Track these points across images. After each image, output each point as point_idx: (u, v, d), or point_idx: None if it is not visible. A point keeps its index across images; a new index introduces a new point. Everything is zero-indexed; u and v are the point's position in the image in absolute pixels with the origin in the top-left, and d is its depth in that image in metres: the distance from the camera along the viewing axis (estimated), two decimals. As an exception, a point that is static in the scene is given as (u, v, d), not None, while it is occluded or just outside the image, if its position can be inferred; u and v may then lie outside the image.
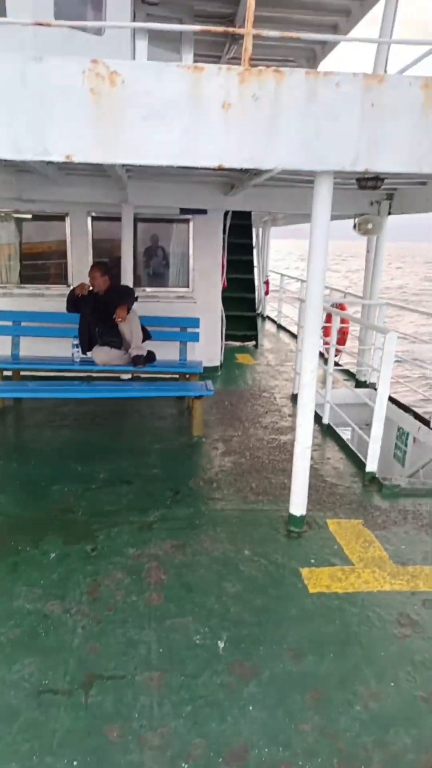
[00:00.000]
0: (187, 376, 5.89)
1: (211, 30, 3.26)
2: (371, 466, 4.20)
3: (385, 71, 6.03)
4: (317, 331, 3.25)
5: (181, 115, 2.92)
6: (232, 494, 3.93)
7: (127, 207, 6.56)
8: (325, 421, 5.36)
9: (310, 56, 8.32)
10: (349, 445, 4.91)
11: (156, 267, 7.50)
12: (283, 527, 3.52)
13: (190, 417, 5.24)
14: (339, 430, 5.28)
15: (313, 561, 3.18)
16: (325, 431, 5.26)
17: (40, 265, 7.31)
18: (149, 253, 7.50)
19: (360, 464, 4.42)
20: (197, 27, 3.27)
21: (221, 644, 2.53)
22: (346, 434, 5.40)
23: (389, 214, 6.36)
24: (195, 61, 7.09)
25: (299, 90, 2.91)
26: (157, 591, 2.86)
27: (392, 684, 2.36)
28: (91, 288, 5.67)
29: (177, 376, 6.28)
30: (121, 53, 5.54)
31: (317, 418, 5.29)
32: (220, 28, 3.34)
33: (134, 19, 6.19)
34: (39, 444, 4.81)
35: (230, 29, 3.28)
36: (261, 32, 3.09)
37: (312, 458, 3.58)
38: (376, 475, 4.20)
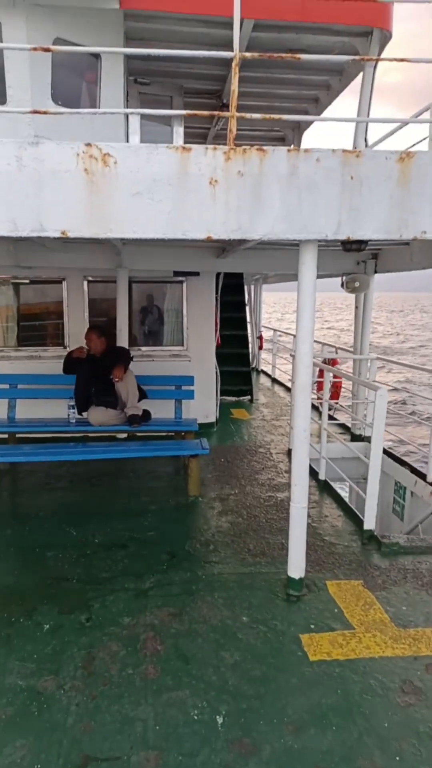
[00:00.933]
0: (183, 434, 5.91)
1: (198, 114, 3.46)
2: (369, 523, 4.17)
3: (366, 140, 6.39)
4: (308, 392, 3.30)
5: (171, 191, 3.09)
6: (229, 556, 3.88)
7: (122, 271, 6.76)
8: (322, 476, 5.35)
9: (295, 126, 8.82)
10: (347, 501, 4.89)
11: (151, 327, 7.66)
12: (281, 591, 3.46)
13: (186, 476, 5.23)
14: (336, 486, 5.27)
15: (312, 626, 3.11)
16: (322, 488, 5.24)
17: (37, 326, 7.46)
18: (144, 313, 7.67)
19: (358, 521, 4.39)
20: (185, 112, 3.49)
21: (220, 719, 2.45)
22: (343, 490, 5.38)
23: (375, 272, 6.58)
24: (185, 132, 7.49)
25: (282, 166, 3.09)
26: (153, 663, 2.79)
27: (397, 758, 2.27)
28: (87, 350, 5.78)
29: (173, 434, 6.30)
30: (116, 128, 5.87)
31: (313, 474, 5.29)
32: (206, 113, 3.53)
33: (127, 96, 6.61)
34: (34, 508, 4.77)
35: (216, 113, 3.50)
36: (245, 115, 3.32)
37: (309, 516, 3.57)
38: (375, 533, 4.17)
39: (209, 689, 2.62)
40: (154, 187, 3.08)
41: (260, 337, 12.61)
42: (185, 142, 7.39)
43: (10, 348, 7.19)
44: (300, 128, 8.77)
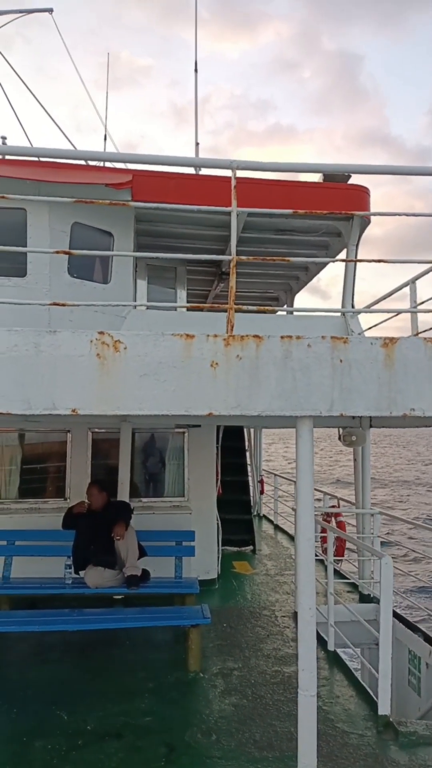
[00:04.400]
0: (183, 596, 5.67)
1: (201, 307, 3.85)
2: (384, 708, 3.86)
3: (353, 304, 6.95)
4: (312, 579, 3.22)
5: (175, 372, 3.33)
6: (233, 749, 3.54)
7: (125, 425, 6.97)
8: (331, 647, 5.04)
9: (288, 289, 9.64)
10: (358, 678, 4.56)
11: (152, 478, 7.69)
12: (291, 795, 3.12)
13: (186, 645, 4.92)
14: (346, 655, 4.95)
15: None
16: (332, 660, 4.92)
17: (38, 478, 7.49)
18: (145, 464, 7.75)
19: (372, 703, 4.06)
20: (188, 305, 3.89)
21: None
22: (354, 662, 5.04)
23: (371, 426, 6.78)
24: (188, 293, 8.14)
25: (276, 351, 3.37)
26: None
27: None
28: (88, 504, 5.77)
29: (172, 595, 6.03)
30: (125, 295, 6.42)
31: (321, 642, 4.99)
32: (206, 305, 3.93)
33: (136, 267, 7.32)
34: (23, 685, 4.43)
35: (216, 304, 3.90)
36: (241, 307, 3.70)
37: (319, 697, 3.33)
38: (391, 719, 3.84)
39: None
40: (160, 369, 3.33)
41: (261, 482, 12.56)
42: (188, 301, 8.02)
43: (10, 500, 7.15)
44: (292, 290, 9.59)
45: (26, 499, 7.17)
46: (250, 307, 4.11)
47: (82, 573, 5.59)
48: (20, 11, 8.95)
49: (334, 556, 5.77)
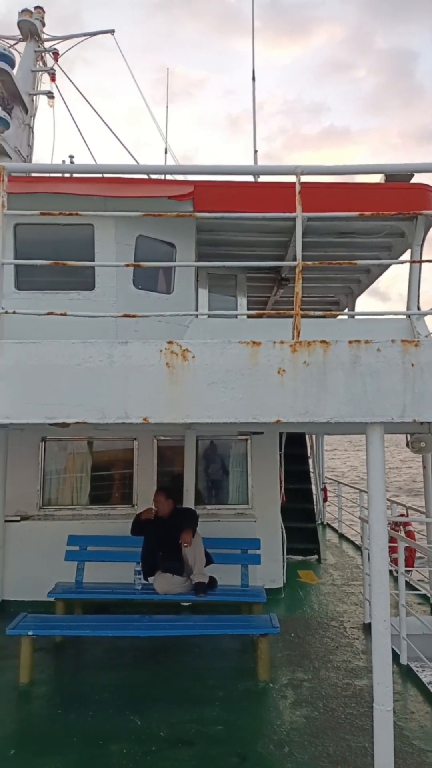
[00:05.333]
0: (250, 605, 5.64)
1: (265, 314, 3.85)
2: None
3: (418, 305, 6.73)
4: (386, 590, 3.14)
5: (242, 380, 3.34)
6: (307, 762, 3.48)
7: (190, 433, 7.05)
8: (404, 660, 4.88)
9: (348, 292, 9.46)
10: None
11: (215, 485, 7.73)
12: None
13: (254, 654, 4.89)
14: (419, 670, 4.76)
15: None
16: (405, 674, 4.75)
17: (107, 485, 7.69)
18: (209, 471, 7.80)
19: None
20: (250, 312, 3.89)
21: None
22: (428, 674, 4.85)
23: (442, 432, 6.52)
24: (248, 300, 8.16)
25: (344, 356, 3.32)
26: None
27: None
28: (155, 511, 5.86)
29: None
30: (187, 305, 6.51)
31: (393, 655, 4.83)
32: (270, 312, 3.93)
33: (197, 276, 7.41)
34: (97, 689, 4.54)
35: (277, 311, 3.89)
36: (308, 312, 3.68)
37: (394, 713, 3.22)
38: None
39: None
40: (227, 377, 3.35)
41: (324, 489, 12.35)
42: (248, 308, 8.02)
43: (81, 506, 7.38)
44: (353, 294, 9.41)
45: (96, 505, 7.38)
46: (316, 312, 4.07)
47: (151, 579, 5.68)
48: (85, 34, 9.35)
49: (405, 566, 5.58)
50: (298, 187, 3.56)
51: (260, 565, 6.10)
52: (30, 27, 10.26)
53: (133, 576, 5.85)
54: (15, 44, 10.42)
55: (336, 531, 11.44)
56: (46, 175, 6.44)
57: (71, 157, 7.38)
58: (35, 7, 10.41)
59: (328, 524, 12.08)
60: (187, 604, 6.25)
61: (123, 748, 3.65)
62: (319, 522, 11.38)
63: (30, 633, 4.63)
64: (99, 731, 3.86)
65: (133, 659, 5.14)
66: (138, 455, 7.55)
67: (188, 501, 6.89)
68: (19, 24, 10.29)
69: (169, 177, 7.77)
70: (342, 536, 11.00)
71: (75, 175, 6.22)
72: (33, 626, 4.71)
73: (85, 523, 7.01)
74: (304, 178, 3.64)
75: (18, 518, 7.04)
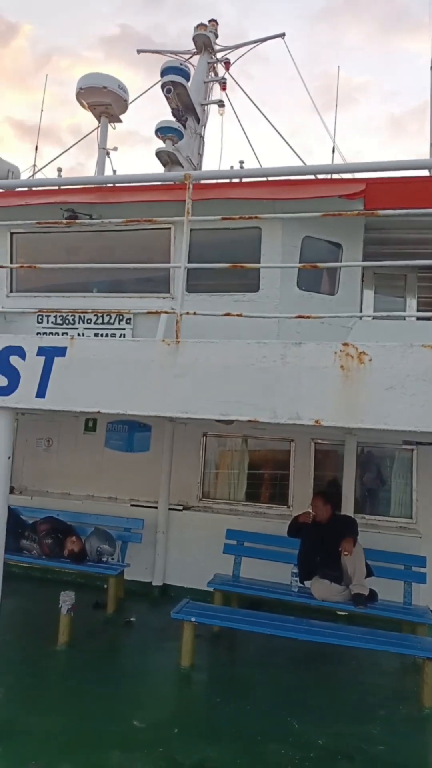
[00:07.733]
0: (413, 624, 5.30)
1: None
2: None
3: None
4: None
5: (424, 386, 3.13)
6: None
7: (350, 438, 6.84)
8: None
9: None
10: None
11: (375, 495, 7.40)
12: None
13: (418, 677, 4.58)
14: None
15: None
16: None
17: (262, 484, 7.76)
18: (368, 479, 7.49)
19: None
20: (421, 314, 3.63)
21: None
22: None
23: None
24: (418, 302, 7.68)
25: None
26: None
27: None
28: (313, 515, 5.78)
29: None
30: (352, 306, 6.31)
31: None
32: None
33: (363, 277, 7.15)
34: (252, 684, 4.61)
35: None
36: None
37: None
38: None
39: None
40: (407, 382, 3.16)
41: None
42: (418, 310, 7.55)
43: (238, 502, 7.55)
44: None
45: (251, 502, 7.49)
46: None
47: (307, 583, 5.62)
48: (256, 41, 9.55)
49: None
50: None
51: (425, 584, 5.70)
52: (204, 40, 10.75)
53: (289, 577, 5.84)
54: (189, 58, 11.02)
55: None
56: (217, 181, 6.67)
57: (241, 162, 7.57)
58: (209, 21, 10.88)
59: None
60: (344, 613, 6.07)
61: (281, 749, 3.65)
62: None
63: (193, 619, 4.83)
64: (256, 728, 3.90)
65: (287, 661, 5.12)
66: (295, 457, 7.50)
67: (347, 508, 6.69)
68: (194, 38, 10.85)
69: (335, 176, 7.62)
70: None
71: (243, 180, 6.38)
72: (196, 613, 4.91)
73: (242, 519, 7.15)
74: None
75: (180, 507, 7.41)
